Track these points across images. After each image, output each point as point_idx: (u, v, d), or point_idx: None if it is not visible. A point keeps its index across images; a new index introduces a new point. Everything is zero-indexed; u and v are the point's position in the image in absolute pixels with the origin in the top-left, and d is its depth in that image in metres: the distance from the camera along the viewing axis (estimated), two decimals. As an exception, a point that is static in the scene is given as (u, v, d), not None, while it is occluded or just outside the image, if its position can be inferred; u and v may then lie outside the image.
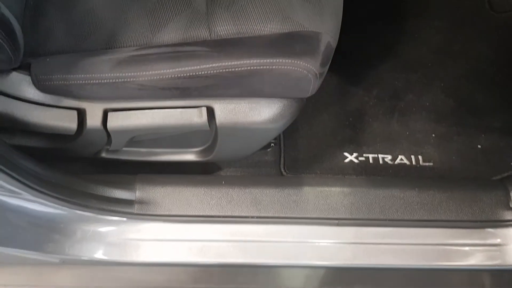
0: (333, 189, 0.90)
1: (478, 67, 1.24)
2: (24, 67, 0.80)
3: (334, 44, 0.80)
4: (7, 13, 0.71)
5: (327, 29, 0.79)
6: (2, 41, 0.69)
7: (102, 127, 0.83)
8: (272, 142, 1.09)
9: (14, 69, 0.80)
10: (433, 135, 1.15)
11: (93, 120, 0.83)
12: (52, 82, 0.78)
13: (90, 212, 0.83)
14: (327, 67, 0.80)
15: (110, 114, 0.83)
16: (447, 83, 1.21)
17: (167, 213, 0.86)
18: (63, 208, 0.81)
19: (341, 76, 1.21)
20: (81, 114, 0.83)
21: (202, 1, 0.81)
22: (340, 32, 0.83)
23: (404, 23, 1.30)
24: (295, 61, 0.74)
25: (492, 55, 1.26)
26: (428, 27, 1.30)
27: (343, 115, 1.17)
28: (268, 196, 0.88)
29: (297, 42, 0.76)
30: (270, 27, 0.77)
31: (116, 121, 0.83)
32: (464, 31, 1.29)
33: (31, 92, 0.81)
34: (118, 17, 0.82)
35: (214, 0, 0.80)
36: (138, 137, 0.90)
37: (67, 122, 0.82)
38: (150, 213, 0.85)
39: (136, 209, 0.85)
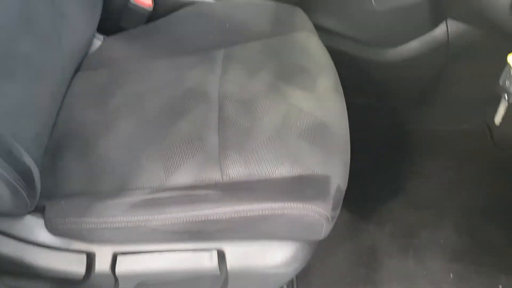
0: (352, 338, 0.84)
1: (489, 204, 1.24)
2: (37, 210, 0.81)
3: (344, 186, 0.81)
4: (28, 161, 0.74)
5: (336, 172, 0.80)
6: (21, 189, 0.71)
7: (110, 272, 0.81)
8: (285, 284, 1.05)
9: (28, 213, 0.81)
10: (451, 274, 1.11)
11: (102, 264, 0.81)
12: (65, 226, 0.79)
13: None
14: (339, 210, 0.80)
15: (119, 258, 0.82)
16: (461, 219, 1.20)
17: None
18: None
19: (353, 213, 1.20)
20: (90, 258, 0.82)
21: (214, 144, 0.84)
22: (349, 171, 0.85)
23: (412, 160, 1.34)
24: (307, 206, 0.74)
25: (501, 191, 1.26)
26: (436, 163, 1.33)
27: (357, 253, 1.14)
28: None
29: (307, 186, 0.77)
30: (280, 170, 0.79)
31: (125, 265, 0.81)
32: (472, 167, 1.32)
33: (43, 236, 0.81)
34: (133, 159, 0.85)
35: (226, 143, 0.83)
36: (146, 281, 0.87)
37: (75, 266, 0.81)
38: None
39: None
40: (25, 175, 0.72)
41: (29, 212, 0.81)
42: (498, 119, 0.80)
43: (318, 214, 0.74)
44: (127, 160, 0.85)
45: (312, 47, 1.01)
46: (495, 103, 0.86)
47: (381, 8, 0.66)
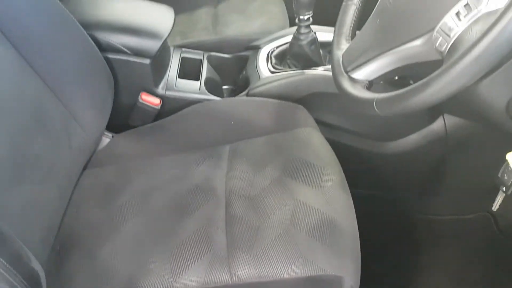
0: None
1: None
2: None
3: (356, 287, 0.79)
4: (36, 266, 0.72)
5: (348, 272, 0.79)
6: (26, 297, 0.69)
7: None
8: None
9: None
10: None
11: None
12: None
13: None
14: (353, 313, 0.77)
15: None
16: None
17: None
18: None
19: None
20: None
21: (222, 244, 0.83)
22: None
23: (419, 251, 1.31)
24: (321, 311, 0.72)
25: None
26: (444, 254, 1.30)
27: None
28: None
29: (320, 288, 0.76)
30: (291, 271, 0.77)
31: None
32: (480, 257, 1.29)
33: None
34: (139, 261, 0.83)
35: (235, 243, 0.82)
36: None
37: None
38: None
39: None
40: (32, 281, 0.70)
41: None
42: (495, 206, 0.85)
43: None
44: (133, 263, 0.83)
45: (315, 142, 1.03)
46: (497, 193, 0.88)
47: (384, 114, 0.69)
